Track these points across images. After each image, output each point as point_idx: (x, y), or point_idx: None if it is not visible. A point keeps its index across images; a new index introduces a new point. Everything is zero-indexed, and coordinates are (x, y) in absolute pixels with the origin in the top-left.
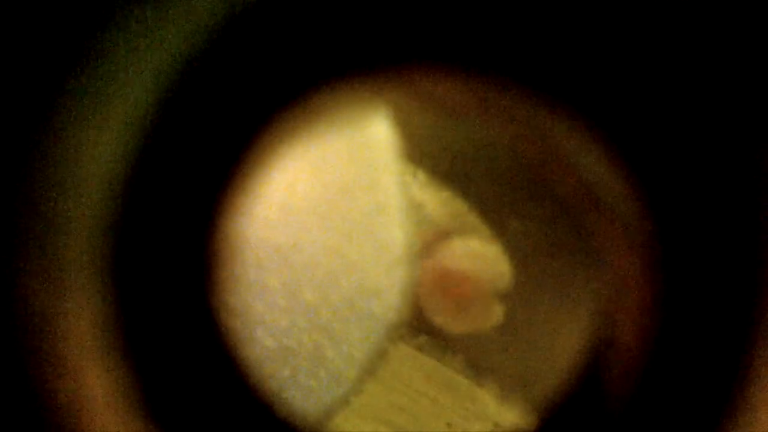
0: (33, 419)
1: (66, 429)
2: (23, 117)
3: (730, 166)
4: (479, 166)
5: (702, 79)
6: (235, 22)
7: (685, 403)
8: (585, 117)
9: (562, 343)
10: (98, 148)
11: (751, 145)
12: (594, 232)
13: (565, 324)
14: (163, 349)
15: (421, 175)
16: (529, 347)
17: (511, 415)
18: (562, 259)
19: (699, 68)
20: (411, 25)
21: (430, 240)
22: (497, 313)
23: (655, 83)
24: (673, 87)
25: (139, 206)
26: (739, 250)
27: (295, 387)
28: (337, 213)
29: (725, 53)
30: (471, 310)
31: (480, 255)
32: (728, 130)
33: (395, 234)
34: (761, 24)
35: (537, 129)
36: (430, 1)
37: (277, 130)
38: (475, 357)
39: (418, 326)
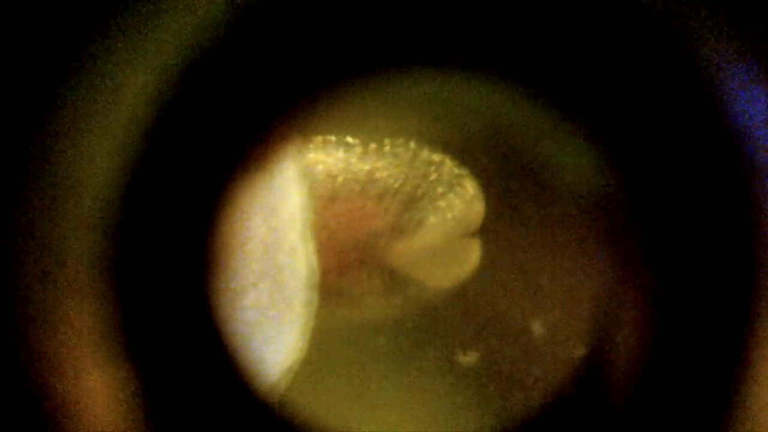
0: (33, 419)
1: (66, 429)
2: (24, 117)
3: (728, 166)
4: (476, 167)
5: (700, 80)
6: (235, 24)
7: (684, 403)
8: (585, 118)
9: (562, 344)
10: (98, 149)
11: (748, 145)
12: (593, 232)
13: (564, 324)
14: (163, 349)
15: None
16: (528, 347)
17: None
18: (562, 259)
19: (698, 68)
20: (411, 26)
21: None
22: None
23: (654, 83)
24: (672, 88)
25: (138, 206)
26: (738, 249)
27: (295, 386)
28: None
29: (716, 56)
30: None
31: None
32: (726, 130)
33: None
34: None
35: (536, 130)
36: (431, 3)
37: (277, 131)
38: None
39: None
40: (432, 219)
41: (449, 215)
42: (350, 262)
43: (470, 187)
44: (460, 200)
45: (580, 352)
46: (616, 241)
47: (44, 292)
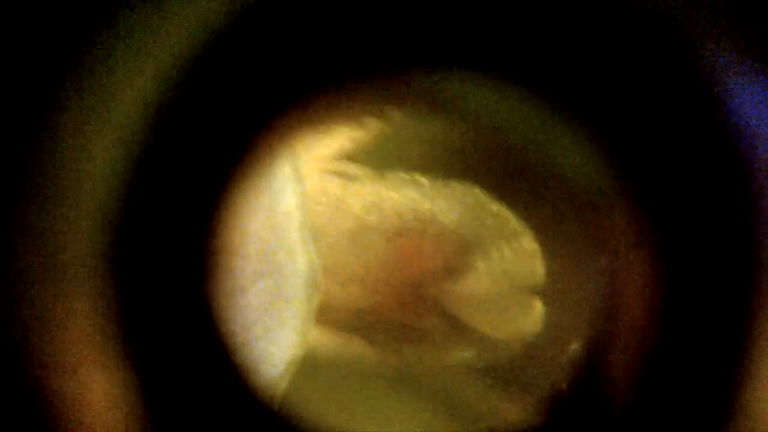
0: (33, 419)
1: (66, 429)
2: (24, 117)
3: (727, 165)
4: (479, 167)
5: (700, 80)
6: (235, 24)
7: (685, 403)
8: (586, 118)
9: (562, 343)
10: (98, 149)
11: (747, 144)
12: (594, 232)
13: (564, 324)
14: (163, 349)
15: (421, 178)
16: (529, 347)
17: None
18: (562, 259)
19: (698, 68)
20: (412, 27)
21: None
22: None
23: (654, 83)
24: (671, 87)
25: (138, 207)
26: (738, 249)
27: (294, 387)
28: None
29: (716, 56)
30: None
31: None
32: (725, 130)
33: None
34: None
35: (538, 130)
36: (433, 3)
37: (277, 132)
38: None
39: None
40: (482, 266)
41: (501, 266)
42: (408, 298)
43: (528, 244)
44: (513, 254)
45: (580, 352)
46: (616, 241)
47: (44, 292)
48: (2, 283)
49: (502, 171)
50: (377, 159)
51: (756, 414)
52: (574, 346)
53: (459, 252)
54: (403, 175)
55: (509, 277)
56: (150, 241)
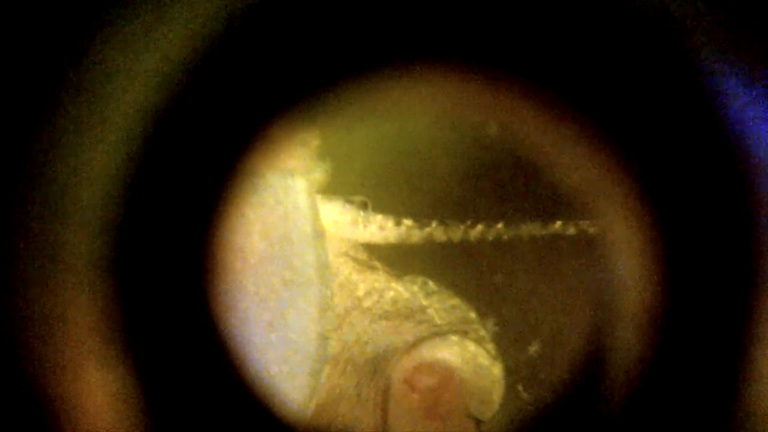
0: (33, 419)
1: (66, 429)
2: (23, 117)
3: (729, 166)
4: (479, 164)
5: (700, 79)
6: (235, 25)
7: (685, 403)
8: (586, 116)
9: (563, 343)
10: (98, 149)
11: (747, 144)
12: (594, 232)
13: (565, 324)
14: (163, 349)
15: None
16: (529, 347)
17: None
18: (562, 259)
19: (698, 67)
20: (412, 26)
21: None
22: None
23: (654, 82)
24: (672, 87)
25: (139, 207)
26: (739, 249)
27: (293, 386)
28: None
29: (719, 56)
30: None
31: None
32: (725, 129)
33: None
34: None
35: (538, 128)
36: (432, 3)
37: (277, 132)
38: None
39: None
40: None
41: (460, 358)
42: (366, 372)
43: (490, 352)
44: (471, 355)
45: (580, 352)
46: (616, 242)
47: (44, 292)
48: (2, 283)
49: (501, 169)
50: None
51: (756, 414)
52: (575, 347)
53: (421, 337)
54: (416, 278)
55: (464, 371)
56: (150, 242)
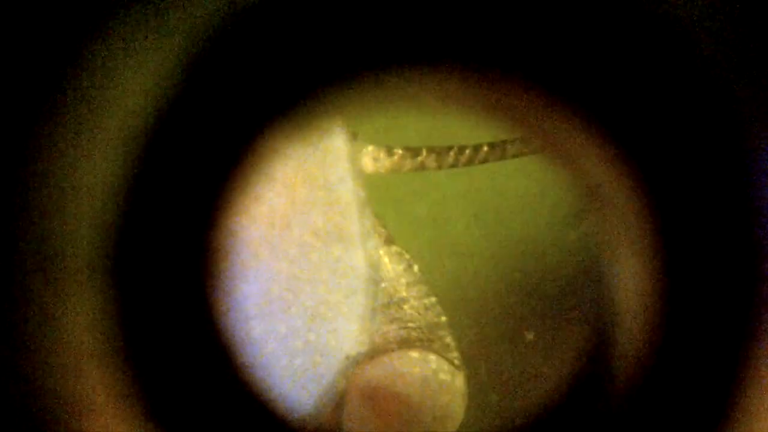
0: (33, 419)
1: (66, 429)
2: (22, 117)
3: (730, 166)
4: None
5: (701, 79)
6: (235, 25)
7: (685, 404)
8: (586, 115)
9: (562, 344)
10: (97, 149)
11: (751, 143)
12: (595, 232)
13: (565, 324)
14: (163, 349)
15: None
16: (528, 347)
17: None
18: (561, 260)
19: (698, 68)
20: (412, 25)
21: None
22: None
23: (656, 81)
24: (674, 86)
25: (138, 207)
26: (741, 249)
27: (294, 386)
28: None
29: (722, 53)
30: None
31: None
32: (727, 131)
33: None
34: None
35: (538, 128)
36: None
37: (277, 132)
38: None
39: None
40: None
41: (420, 376)
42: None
43: (453, 362)
44: (431, 371)
45: (579, 351)
46: (616, 240)
47: (44, 292)
48: (2, 283)
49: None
50: None
51: (756, 414)
52: (574, 347)
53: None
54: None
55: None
56: (150, 242)
